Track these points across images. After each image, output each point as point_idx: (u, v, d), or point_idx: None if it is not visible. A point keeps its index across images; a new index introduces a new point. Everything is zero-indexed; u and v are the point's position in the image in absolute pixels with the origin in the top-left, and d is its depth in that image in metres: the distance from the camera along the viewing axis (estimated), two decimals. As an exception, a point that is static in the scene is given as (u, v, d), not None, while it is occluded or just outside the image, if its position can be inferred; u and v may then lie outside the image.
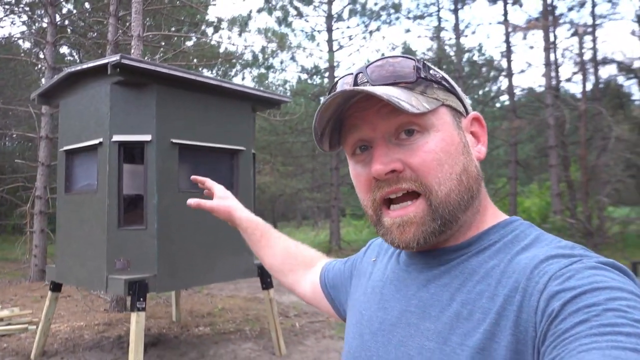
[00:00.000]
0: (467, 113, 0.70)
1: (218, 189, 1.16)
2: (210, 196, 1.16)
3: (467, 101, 0.71)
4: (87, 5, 13.65)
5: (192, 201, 1.09)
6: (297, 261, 1.08)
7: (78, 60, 14.07)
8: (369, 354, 0.68)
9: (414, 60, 0.65)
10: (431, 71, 0.66)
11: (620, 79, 17.75)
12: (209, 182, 1.17)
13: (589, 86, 14.95)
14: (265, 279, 5.13)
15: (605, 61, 16.93)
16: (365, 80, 0.65)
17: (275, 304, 5.25)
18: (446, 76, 0.68)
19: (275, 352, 5.00)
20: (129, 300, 6.84)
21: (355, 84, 0.66)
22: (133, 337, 3.90)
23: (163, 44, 12.85)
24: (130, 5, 9.93)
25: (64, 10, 13.33)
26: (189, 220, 4.47)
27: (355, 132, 0.66)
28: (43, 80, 16.44)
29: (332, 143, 0.70)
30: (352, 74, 0.68)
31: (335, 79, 0.71)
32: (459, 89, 0.70)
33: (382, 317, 0.69)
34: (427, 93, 0.64)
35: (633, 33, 16.59)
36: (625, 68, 17.10)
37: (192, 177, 1.20)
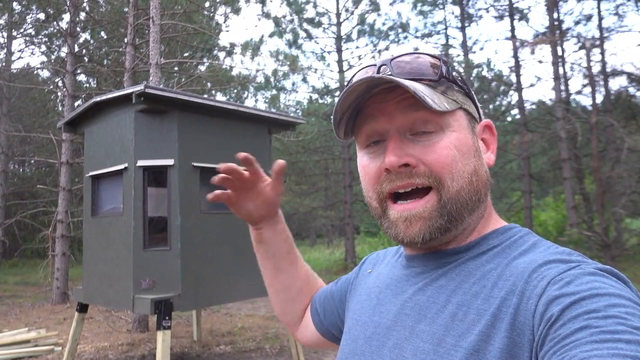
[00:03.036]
0: (480, 120, 0.71)
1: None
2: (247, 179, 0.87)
3: (480, 109, 0.72)
4: (102, 34, 14.17)
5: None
6: (312, 292, 0.98)
7: (95, 87, 14.54)
8: (362, 359, 0.67)
9: (439, 58, 0.64)
10: (454, 73, 0.66)
11: (632, 90, 17.75)
12: (257, 164, 0.86)
13: (600, 98, 14.98)
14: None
15: (615, 73, 16.96)
16: (389, 72, 0.63)
17: (295, 321, 5.32)
18: (464, 80, 0.69)
19: (296, 369, 5.08)
20: (151, 320, 6.99)
21: None
22: (160, 355, 4.01)
23: (177, 69, 13.27)
24: (145, 34, 10.32)
25: (81, 40, 13.84)
26: (211, 241, 4.61)
27: (371, 122, 0.65)
28: (61, 107, 17.01)
29: (346, 131, 0.69)
30: (374, 65, 0.66)
31: (355, 70, 0.70)
32: (474, 95, 0.71)
33: (377, 321, 0.68)
34: (447, 94, 0.64)
35: (642, 44, 16.63)
36: (636, 79, 17.11)
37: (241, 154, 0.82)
